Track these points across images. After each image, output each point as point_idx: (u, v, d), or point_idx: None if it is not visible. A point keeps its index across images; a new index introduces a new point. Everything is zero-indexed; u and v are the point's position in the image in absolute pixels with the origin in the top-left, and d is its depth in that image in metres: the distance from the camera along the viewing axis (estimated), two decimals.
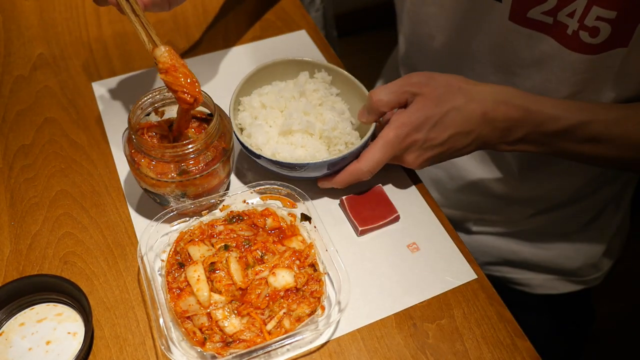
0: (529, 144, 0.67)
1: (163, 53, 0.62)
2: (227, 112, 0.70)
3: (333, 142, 0.70)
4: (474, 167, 0.88)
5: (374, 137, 0.68)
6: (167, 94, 0.67)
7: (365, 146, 0.67)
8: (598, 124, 0.64)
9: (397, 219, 0.70)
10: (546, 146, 0.67)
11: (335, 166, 0.67)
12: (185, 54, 0.91)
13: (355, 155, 0.67)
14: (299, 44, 0.92)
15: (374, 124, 0.69)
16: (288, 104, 0.72)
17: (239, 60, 0.90)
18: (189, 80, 0.62)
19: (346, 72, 0.75)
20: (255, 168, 0.75)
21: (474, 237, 0.94)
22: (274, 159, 0.66)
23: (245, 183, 0.74)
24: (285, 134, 0.70)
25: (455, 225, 0.91)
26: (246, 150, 0.68)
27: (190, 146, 0.62)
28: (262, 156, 0.66)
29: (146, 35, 0.64)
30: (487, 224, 0.93)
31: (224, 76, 0.87)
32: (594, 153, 0.67)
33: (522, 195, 0.87)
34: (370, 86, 0.79)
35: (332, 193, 0.72)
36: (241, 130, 0.72)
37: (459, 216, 0.93)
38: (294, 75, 0.76)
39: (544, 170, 0.84)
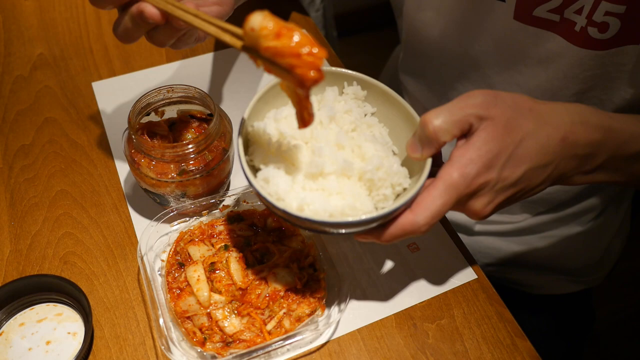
0: (607, 171, 0.57)
1: (264, 17, 0.46)
2: (234, 141, 0.57)
3: (376, 184, 0.54)
4: None
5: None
6: (167, 93, 0.67)
7: (420, 191, 0.51)
8: None
9: None
10: (623, 172, 0.58)
11: (384, 220, 0.51)
12: (186, 54, 0.91)
13: (410, 204, 0.51)
14: None
15: (429, 160, 0.53)
16: (314, 133, 0.55)
17: (239, 60, 0.90)
18: (306, 50, 0.44)
19: (383, 85, 0.58)
20: None
21: (476, 238, 0.94)
22: (302, 215, 0.50)
23: (245, 183, 0.74)
24: (314, 177, 0.53)
25: (458, 226, 0.91)
26: (264, 201, 0.52)
27: (190, 146, 0.62)
28: (286, 211, 0.50)
29: (221, 30, 0.52)
30: (489, 224, 0.93)
31: (224, 76, 0.87)
32: None
33: None
34: None
35: None
36: (254, 170, 0.56)
37: (462, 217, 0.93)
38: (319, 91, 0.59)
39: None
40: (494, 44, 0.74)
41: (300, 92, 0.47)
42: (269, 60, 0.47)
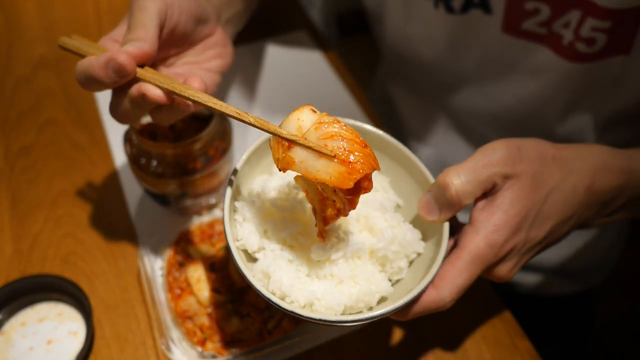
0: (626, 211, 0.55)
1: (311, 119, 0.42)
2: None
3: (390, 259, 0.49)
4: None
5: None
6: None
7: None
8: None
9: None
10: (637, 209, 0.56)
11: (408, 304, 0.46)
12: None
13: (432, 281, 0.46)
14: (299, 44, 0.92)
15: (447, 224, 0.49)
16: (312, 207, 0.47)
17: (239, 60, 0.90)
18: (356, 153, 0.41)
19: (379, 131, 0.53)
20: None
21: None
22: (315, 316, 0.44)
23: None
24: (320, 264, 0.47)
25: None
26: (268, 301, 0.44)
27: (190, 146, 0.62)
28: (295, 312, 0.44)
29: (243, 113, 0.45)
30: None
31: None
32: None
33: None
34: (369, 92, 0.76)
35: None
36: (248, 257, 0.49)
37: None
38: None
39: None
40: (483, 55, 0.74)
41: (336, 196, 0.43)
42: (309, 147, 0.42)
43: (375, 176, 0.51)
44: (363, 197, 0.46)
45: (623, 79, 0.68)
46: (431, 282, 0.46)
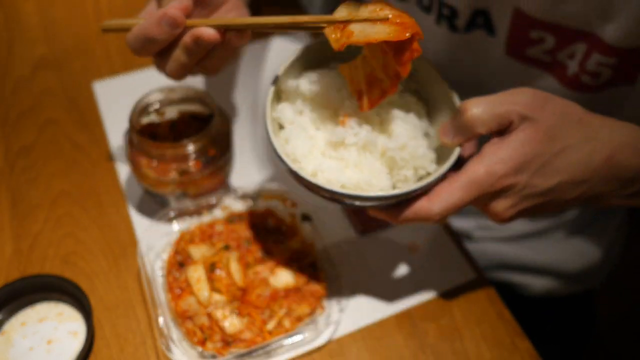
0: None
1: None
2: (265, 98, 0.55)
3: (398, 164, 0.52)
4: None
5: (455, 165, 0.51)
6: (168, 94, 0.67)
7: (442, 178, 0.50)
8: None
9: None
10: None
11: (397, 200, 0.50)
12: None
13: (427, 189, 0.50)
14: (299, 44, 0.92)
15: (458, 148, 0.51)
16: (345, 102, 0.53)
17: (239, 60, 0.90)
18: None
19: (431, 64, 0.56)
20: (255, 168, 0.76)
21: (475, 244, 0.94)
22: (313, 181, 0.49)
23: (245, 183, 0.74)
24: (335, 146, 0.52)
25: (458, 232, 0.91)
26: (280, 161, 0.51)
27: (190, 146, 0.62)
28: (299, 174, 0.49)
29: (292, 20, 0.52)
30: (488, 230, 0.93)
31: (223, 76, 0.88)
32: None
33: None
34: None
35: None
36: (280, 127, 0.55)
37: (461, 222, 0.93)
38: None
39: None
40: (483, 76, 0.73)
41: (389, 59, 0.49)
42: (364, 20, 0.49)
43: (413, 105, 0.56)
44: (396, 111, 0.53)
45: (624, 106, 0.67)
46: (425, 191, 0.50)
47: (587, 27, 0.61)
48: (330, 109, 0.54)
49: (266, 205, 0.67)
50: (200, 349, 0.57)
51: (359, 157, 0.52)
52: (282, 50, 0.91)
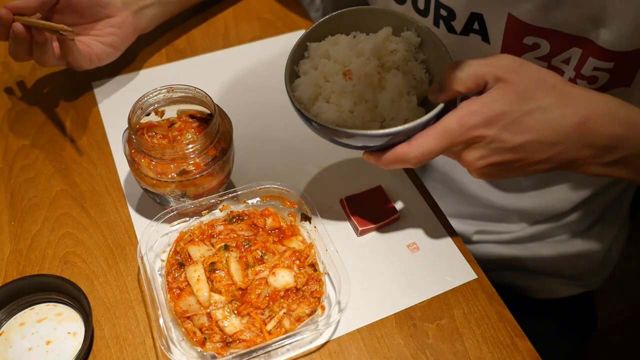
0: (625, 167, 0.55)
1: None
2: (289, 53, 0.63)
3: (389, 115, 0.59)
4: (475, 180, 0.86)
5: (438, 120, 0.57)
6: (167, 93, 0.67)
7: (422, 127, 0.56)
8: None
9: (397, 219, 0.70)
10: None
11: (379, 142, 0.57)
12: (186, 54, 0.91)
13: (406, 134, 0.56)
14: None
15: (441, 105, 0.57)
16: (353, 60, 0.61)
17: (239, 60, 0.90)
18: None
19: (438, 39, 0.62)
20: (255, 168, 0.75)
21: (475, 246, 0.94)
22: (312, 118, 0.57)
23: (245, 183, 0.74)
24: (337, 95, 0.60)
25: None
26: (290, 102, 0.60)
27: (190, 146, 0.62)
28: (301, 111, 0.58)
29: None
30: (487, 234, 0.92)
31: (224, 76, 0.88)
32: None
33: (523, 206, 0.86)
34: None
35: (333, 193, 0.72)
36: (297, 77, 0.64)
37: (459, 226, 0.93)
38: (375, 27, 0.64)
39: (550, 183, 0.83)
40: None
41: None
42: None
43: (418, 71, 0.63)
44: (394, 71, 0.61)
45: None
46: (406, 136, 0.56)
47: (580, 33, 0.61)
48: (341, 64, 0.62)
49: (266, 205, 0.67)
50: (199, 349, 0.57)
51: (355, 105, 0.59)
52: (281, 50, 0.91)
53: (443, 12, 0.69)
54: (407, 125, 0.55)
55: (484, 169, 0.55)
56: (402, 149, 0.56)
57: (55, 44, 0.74)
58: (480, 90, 0.54)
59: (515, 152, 0.53)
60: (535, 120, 0.52)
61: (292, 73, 0.63)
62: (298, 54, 0.63)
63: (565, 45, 0.63)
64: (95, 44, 0.78)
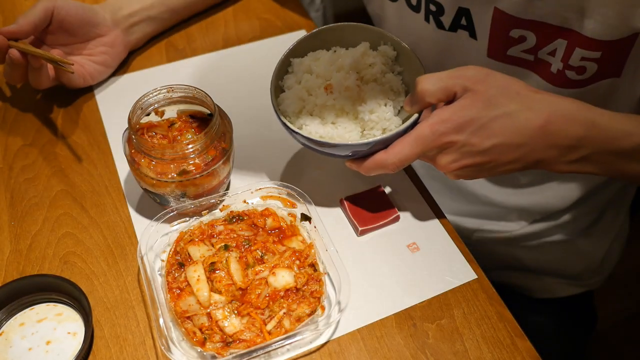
0: (592, 164, 0.59)
1: None
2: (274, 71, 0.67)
3: (369, 125, 0.64)
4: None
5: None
6: (167, 93, 0.67)
7: (399, 136, 0.61)
8: None
9: (397, 219, 0.70)
10: (610, 166, 0.60)
11: (360, 150, 0.62)
12: (186, 54, 0.91)
13: (384, 143, 0.61)
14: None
15: (416, 115, 0.62)
16: (334, 75, 0.66)
17: (239, 60, 0.90)
18: None
19: (412, 52, 0.67)
20: (255, 168, 0.75)
21: (474, 245, 0.94)
22: (297, 131, 0.62)
23: (245, 183, 0.74)
24: (320, 108, 0.65)
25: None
26: (276, 116, 0.64)
27: (190, 146, 0.62)
28: (287, 125, 0.63)
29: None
30: (487, 233, 0.93)
31: (224, 76, 0.87)
32: None
33: (522, 204, 0.86)
34: None
35: (332, 193, 0.72)
36: (282, 91, 0.68)
37: (459, 225, 0.93)
38: (354, 42, 0.69)
39: (547, 180, 0.84)
40: None
41: None
42: None
43: (395, 83, 0.67)
44: (373, 84, 0.66)
45: (612, 98, 0.68)
46: (383, 144, 0.61)
47: (565, 23, 0.62)
48: (323, 79, 0.66)
49: (266, 205, 0.67)
50: (199, 349, 0.57)
51: (337, 117, 0.65)
52: (281, 50, 0.91)
53: (432, 7, 0.71)
54: (385, 135, 0.60)
55: (458, 171, 0.59)
56: (380, 157, 0.61)
57: (50, 66, 0.76)
58: (450, 100, 0.58)
59: (485, 155, 0.57)
60: (501, 125, 0.56)
61: (277, 87, 0.67)
62: (282, 70, 0.67)
63: (551, 37, 0.64)
64: (88, 63, 0.80)
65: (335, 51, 0.68)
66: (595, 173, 0.60)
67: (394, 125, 0.64)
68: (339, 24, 0.68)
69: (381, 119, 0.64)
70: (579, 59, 0.63)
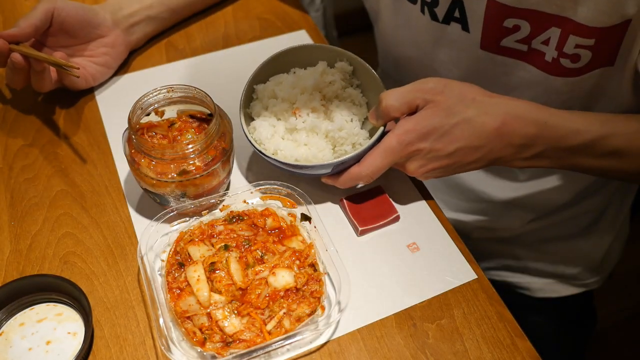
0: (546, 159, 0.64)
1: None
2: (239, 100, 0.70)
3: (339, 142, 0.68)
4: (473, 174, 0.87)
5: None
6: (167, 93, 0.67)
7: (369, 149, 0.65)
8: (619, 138, 0.62)
9: (397, 219, 0.70)
10: (563, 161, 0.64)
11: (336, 168, 0.65)
12: (185, 53, 0.91)
13: (357, 158, 0.65)
14: (299, 43, 0.92)
15: (382, 128, 0.65)
16: (299, 97, 0.69)
17: (239, 60, 0.90)
18: None
19: (367, 65, 0.70)
20: (255, 168, 0.75)
21: (475, 245, 0.94)
22: (272, 156, 0.65)
23: (245, 183, 0.74)
24: (290, 131, 0.69)
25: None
26: (250, 144, 0.67)
27: (190, 146, 0.62)
28: (262, 152, 0.66)
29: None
30: (487, 231, 0.93)
31: (224, 76, 0.87)
32: (614, 167, 0.65)
33: (521, 200, 0.86)
34: None
35: (332, 193, 0.72)
36: (251, 119, 0.71)
37: (458, 223, 0.93)
38: (312, 62, 0.73)
39: (545, 175, 0.84)
40: (463, 72, 0.76)
41: None
42: None
43: (357, 97, 0.71)
44: (337, 101, 0.71)
45: (607, 88, 0.68)
46: (356, 159, 0.65)
47: (559, 11, 0.64)
48: (288, 102, 0.69)
49: (266, 205, 0.67)
50: (199, 349, 0.57)
51: (308, 138, 0.68)
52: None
53: None
54: (357, 152, 0.64)
55: (426, 174, 0.65)
56: (355, 170, 0.65)
57: (52, 69, 0.76)
58: (413, 112, 0.63)
59: (450, 158, 0.62)
60: (461, 130, 0.61)
61: (247, 115, 0.70)
62: (248, 97, 0.71)
63: (545, 25, 0.65)
64: (89, 64, 0.80)
65: (295, 72, 0.72)
66: (551, 167, 0.65)
67: (362, 138, 0.69)
68: (295, 46, 0.72)
69: (350, 134, 0.67)
70: (574, 46, 0.64)
